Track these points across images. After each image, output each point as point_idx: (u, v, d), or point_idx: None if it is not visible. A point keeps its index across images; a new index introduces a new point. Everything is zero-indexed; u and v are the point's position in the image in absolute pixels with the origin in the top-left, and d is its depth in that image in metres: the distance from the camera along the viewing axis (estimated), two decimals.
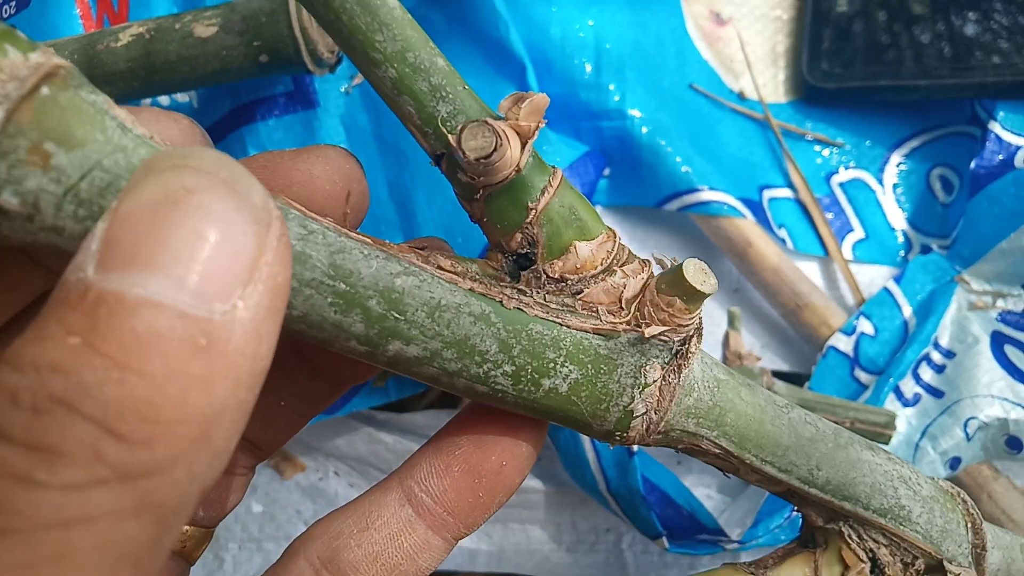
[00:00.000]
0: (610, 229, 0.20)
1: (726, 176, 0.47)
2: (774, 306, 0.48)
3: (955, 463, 0.44)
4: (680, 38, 0.50)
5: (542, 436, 0.21)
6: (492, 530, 0.49)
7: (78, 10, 0.40)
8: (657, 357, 0.19)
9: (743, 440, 0.20)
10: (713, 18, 0.52)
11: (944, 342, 0.46)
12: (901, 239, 0.49)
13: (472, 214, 0.20)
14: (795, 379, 0.47)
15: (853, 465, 0.21)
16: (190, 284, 0.12)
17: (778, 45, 0.52)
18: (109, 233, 0.12)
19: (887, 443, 0.42)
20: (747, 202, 0.47)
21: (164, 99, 0.43)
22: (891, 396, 0.44)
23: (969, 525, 0.22)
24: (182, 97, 0.43)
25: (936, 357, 0.45)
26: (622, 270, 0.19)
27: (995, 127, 0.46)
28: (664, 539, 0.42)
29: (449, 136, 0.18)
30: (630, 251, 0.20)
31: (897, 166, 0.50)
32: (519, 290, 0.19)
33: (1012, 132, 0.46)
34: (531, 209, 0.19)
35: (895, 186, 0.50)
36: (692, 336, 0.19)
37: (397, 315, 0.17)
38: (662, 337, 0.19)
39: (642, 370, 0.19)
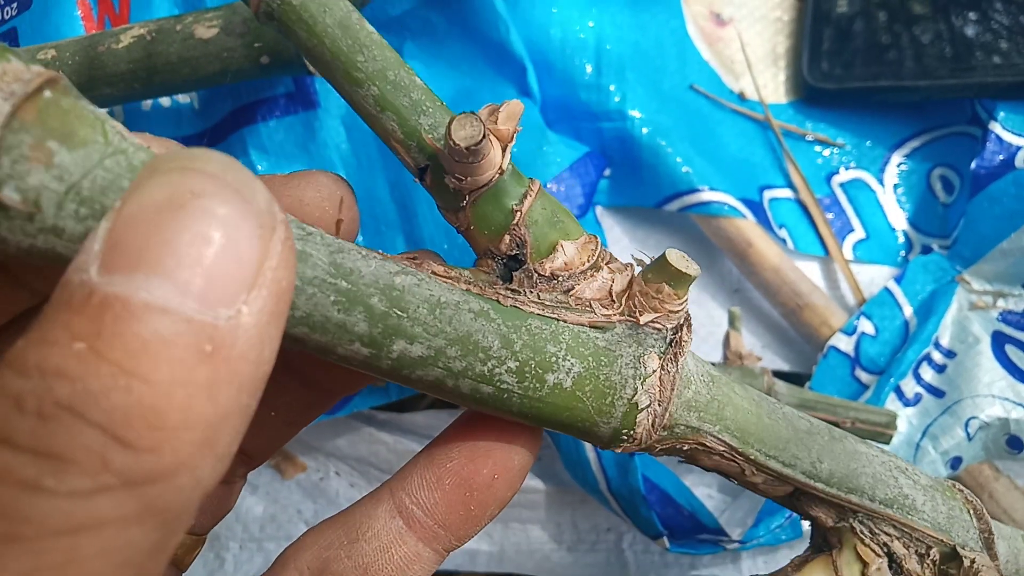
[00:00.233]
0: (591, 233, 0.21)
1: (727, 176, 0.47)
2: (775, 306, 0.48)
3: (956, 463, 0.44)
4: (680, 39, 0.50)
5: (536, 445, 0.21)
6: (493, 530, 0.49)
7: (79, 11, 0.40)
8: (653, 347, 0.20)
9: (745, 434, 0.20)
10: (713, 19, 0.52)
11: (945, 342, 0.46)
12: (902, 239, 0.49)
13: (459, 225, 0.21)
14: (796, 379, 0.47)
15: (852, 456, 0.21)
16: (195, 289, 0.12)
17: (778, 46, 0.52)
18: (112, 234, 0.12)
19: (888, 443, 0.42)
20: (748, 202, 0.47)
21: (165, 100, 0.43)
22: (892, 396, 0.44)
23: (972, 512, 0.22)
24: (183, 98, 0.43)
25: (937, 357, 0.45)
26: (608, 267, 0.20)
27: (995, 127, 0.46)
28: (665, 539, 0.42)
29: (435, 144, 0.19)
30: (611, 253, 0.21)
31: (898, 166, 0.50)
32: (513, 290, 0.19)
33: (1012, 132, 0.46)
34: (516, 211, 0.20)
35: (896, 186, 0.50)
36: (683, 325, 0.20)
37: (399, 312, 0.17)
38: (655, 325, 0.20)
39: (641, 360, 0.19)
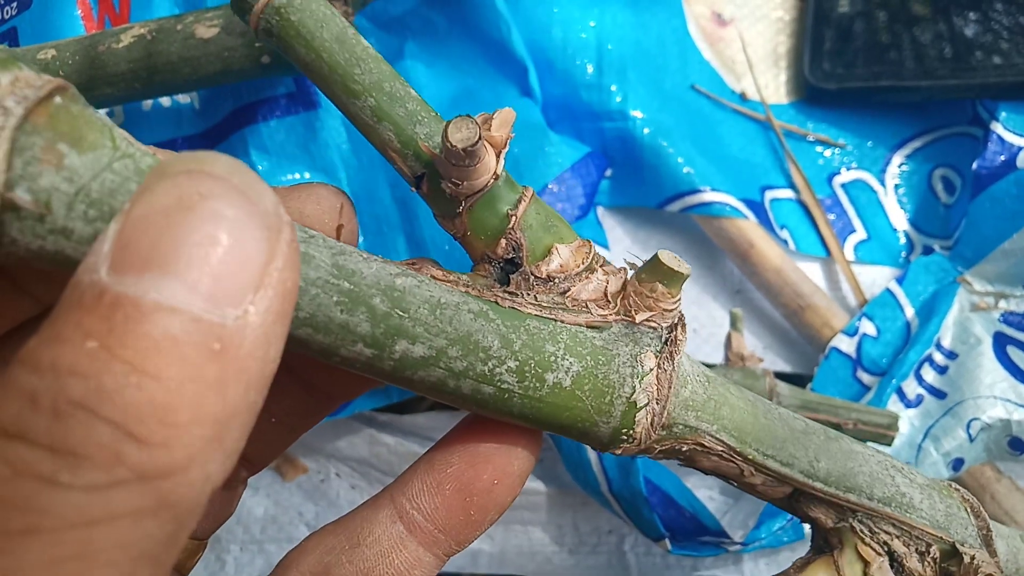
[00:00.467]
0: (584, 238, 0.22)
1: (728, 177, 0.47)
2: (776, 307, 0.48)
3: (958, 464, 0.44)
4: (682, 39, 0.50)
5: (536, 450, 0.21)
6: (494, 532, 0.49)
7: (79, 11, 0.40)
8: (649, 345, 0.20)
9: (742, 434, 0.21)
10: (715, 19, 0.52)
11: (946, 343, 0.45)
12: (903, 240, 0.49)
13: (455, 231, 0.21)
14: (797, 380, 0.47)
15: (849, 456, 0.21)
16: (204, 289, 0.12)
17: (780, 46, 0.52)
18: (122, 235, 0.12)
19: (890, 444, 0.42)
20: (749, 203, 0.47)
21: (166, 100, 0.43)
22: (893, 397, 0.44)
23: (969, 510, 0.22)
24: (183, 98, 0.43)
25: (938, 358, 0.45)
26: (602, 269, 0.21)
27: (997, 128, 0.46)
28: (667, 541, 0.42)
29: (432, 151, 0.20)
30: (604, 257, 0.22)
31: (899, 167, 0.50)
32: (510, 292, 0.20)
33: (1014, 133, 0.46)
34: (511, 215, 0.21)
35: (897, 187, 0.50)
36: (678, 324, 0.21)
37: (401, 312, 0.18)
38: (651, 323, 0.20)
39: (638, 358, 0.20)
